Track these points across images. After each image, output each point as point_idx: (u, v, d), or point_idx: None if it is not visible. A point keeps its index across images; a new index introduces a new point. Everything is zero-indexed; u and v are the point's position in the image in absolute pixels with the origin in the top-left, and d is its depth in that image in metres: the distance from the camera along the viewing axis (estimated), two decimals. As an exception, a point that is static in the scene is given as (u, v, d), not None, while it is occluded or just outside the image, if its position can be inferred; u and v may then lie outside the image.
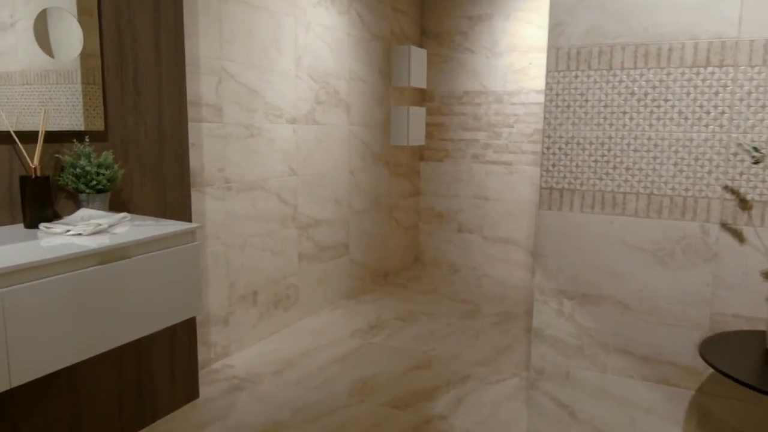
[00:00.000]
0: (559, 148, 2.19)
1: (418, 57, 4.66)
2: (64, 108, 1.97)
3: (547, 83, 2.18)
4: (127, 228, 1.76)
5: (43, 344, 1.39)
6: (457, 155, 5.11)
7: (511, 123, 4.86)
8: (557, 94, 2.17)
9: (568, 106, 2.16)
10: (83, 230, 1.65)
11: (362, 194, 4.36)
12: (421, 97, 5.19)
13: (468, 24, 4.92)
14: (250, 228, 3.24)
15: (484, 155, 5.00)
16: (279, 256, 3.50)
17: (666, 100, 2.01)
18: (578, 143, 2.15)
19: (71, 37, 1.97)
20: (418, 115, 4.74)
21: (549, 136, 2.20)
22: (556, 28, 2.15)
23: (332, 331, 3.58)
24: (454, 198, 5.17)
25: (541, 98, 4.69)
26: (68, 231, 1.67)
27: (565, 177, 2.19)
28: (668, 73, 2.00)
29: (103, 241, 1.59)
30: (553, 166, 2.20)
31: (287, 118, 3.47)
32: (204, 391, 2.73)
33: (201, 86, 2.84)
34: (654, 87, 2.02)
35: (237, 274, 3.17)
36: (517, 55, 4.77)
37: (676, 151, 2.01)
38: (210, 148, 2.92)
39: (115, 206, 2.12)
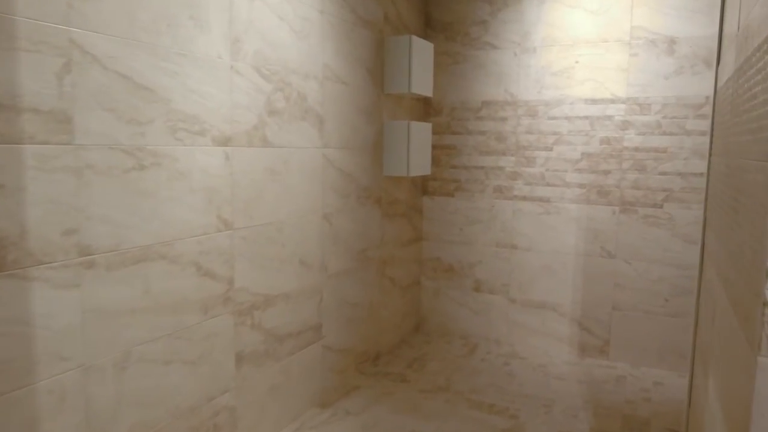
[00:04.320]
0: None
1: (423, 52, 3.33)
2: None
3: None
4: None
5: None
6: (473, 188, 3.76)
7: (550, 145, 3.52)
8: None
9: None
10: None
11: (342, 248, 2.98)
12: (426, 109, 3.85)
13: (489, 11, 3.61)
14: (136, 329, 1.84)
15: (511, 188, 3.65)
16: (198, 367, 2.09)
17: None
18: None
19: None
20: (421, 133, 3.39)
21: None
22: None
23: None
24: (469, 246, 3.81)
25: (593, 110, 3.36)
26: None
27: None
28: None
29: None
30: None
31: (214, 136, 2.10)
32: None
33: (21, 75, 1.47)
34: None
35: (109, 418, 1.76)
36: (557, 51, 3.45)
37: None
38: (43, 192, 1.54)
39: None
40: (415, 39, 3.23)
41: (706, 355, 1.75)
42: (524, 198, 3.62)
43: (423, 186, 3.91)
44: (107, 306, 1.73)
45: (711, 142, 2.08)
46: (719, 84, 1.93)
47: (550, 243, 3.58)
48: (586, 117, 3.41)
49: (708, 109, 3.13)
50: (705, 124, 3.15)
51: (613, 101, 3.33)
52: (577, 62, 3.41)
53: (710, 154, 2.08)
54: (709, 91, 3.11)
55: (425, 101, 3.83)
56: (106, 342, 1.74)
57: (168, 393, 1.97)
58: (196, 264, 2.05)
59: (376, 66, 3.20)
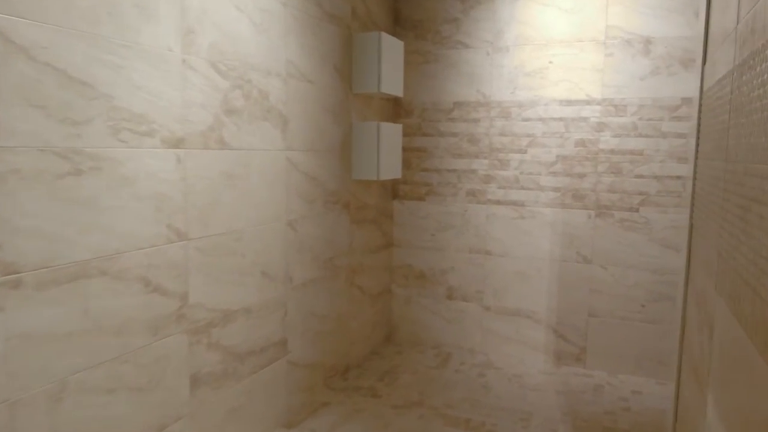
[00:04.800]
0: None
1: (393, 51, 3.17)
2: None
3: None
4: None
5: None
6: (445, 192, 3.62)
7: (524, 147, 3.41)
8: None
9: None
10: None
11: (308, 257, 2.80)
12: (396, 109, 3.70)
13: (460, 8, 3.48)
14: (73, 356, 1.63)
15: (485, 192, 3.52)
16: (147, 393, 1.88)
17: None
18: None
19: None
20: (391, 135, 3.24)
21: None
22: None
23: None
24: (441, 252, 3.67)
25: (568, 111, 3.26)
26: None
27: None
28: None
29: None
30: None
31: (164, 137, 1.90)
32: None
33: (-75, 64, 1.25)
34: None
35: (41, 456, 1.55)
36: (531, 50, 3.34)
37: None
38: (-45, 202, 1.32)
39: None
40: (385, 36, 3.07)
41: (700, 369, 1.64)
42: (498, 202, 3.50)
43: (393, 190, 3.75)
44: (37, 330, 1.52)
45: (697, 145, 1.98)
46: (707, 84, 1.83)
47: (525, 248, 3.46)
48: (561, 119, 3.30)
49: (684, 111, 3.06)
50: (681, 126, 3.08)
51: (588, 102, 3.24)
52: (551, 62, 3.31)
53: (696, 157, 1.98)
54: (686, 93, 3.04)
55: (395, 102, 3.68)
56: (36, 372, 1.52)
57: (112, 424, 1.76)
58: (144, 279, 1.84)
59: (344, 64, 3.03)
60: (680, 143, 3.09)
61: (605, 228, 3.27)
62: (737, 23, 1.36)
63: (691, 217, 2.00)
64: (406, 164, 3.70)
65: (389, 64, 3.14)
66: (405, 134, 3.68)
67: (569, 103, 3.28)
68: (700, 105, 1.96)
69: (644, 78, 3.12)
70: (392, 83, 3.19)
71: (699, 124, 1.96)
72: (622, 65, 3.16)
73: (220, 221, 2.17)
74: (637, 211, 3.20)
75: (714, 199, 1.52)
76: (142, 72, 1.79)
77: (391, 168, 3.24)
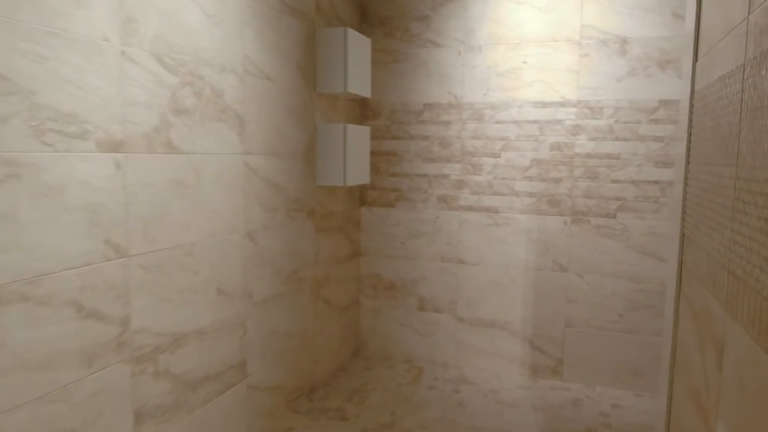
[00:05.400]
0: None
1: (360, 48, 2.98)
2: None
3: None
4: None
5: None
6: (416, 198, 3.44)
7: (497, 151, 3.26)
8: None
9: None
10: None
11: (269, 270, 2.57)
12: (363, 111, 3.51)
13: (430, 5, 3.31)
14: (-13, 398, 1.37)
15: (457, 198, 3.36)
16: (81, 434, 1.63)
17: None
18: None
19: None
20: (358, 138, 3.04)
21: None
22: None
23: None
24: (411, 261, 3.49)
25: (542, 113, 3.13)
26: None
27: None
28: None
29: None
30: None
31: (100, 140, 1.65)
32: None
33: None
34: None
35: None
36: (504, 50, 3.20)
37: None
38: None
39: None
40: (351, 32, 2.87)
41: (702, 394, 1.49)
42: (471, 208, 3.34)
43: (361, 196, 3.56)
44: (-64, 372, 1.26)
45: (688, 149, 1.85)
46: (701, 83, 1.70)
47: (499, 256, 3.31)
48: (535, 121, 3.17)
49: (662, 114, 2.96)
50: (659, 130, 2.97)
51: (563, 104, 3.11)
52: (525, 62, 3.17)
53: (688, 162, 1.85)
54: (663, 95, 2.94)
55: (362, 102, 3.49)
56: (-65, 422, 1.26)
57: (36, 476, 1.50)
58: (76, 304, 1.59)
59: (308, 61, 2.82)
60: (658, 147, 2.98)
61: (582, 235, 3.15)
62: (748, 14, 1.21)
63: (682, 226, 1.87)
64: (375, 169, 3.51)
65: (356, 62, 2.94)
66: (373, 137, 3.49)
67: (544, 105, 3.15)
68: (692, 105, 1.83)
69: (621, 79, 3.01)
70: (359, 83, 2.99)
71: (690, 126, 1.83)
72: (598, 66, 3.04)
73: (167, 234, 1.93)
74: (614, 217, 3.09)
75: (718, 209, 1.38)
76: (72, 64, 1.55)
77: (358, 173, 3.05)
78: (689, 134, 1.84)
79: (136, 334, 1.81)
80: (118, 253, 1.73)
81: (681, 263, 1.88)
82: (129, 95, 1.74)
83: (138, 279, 1.81)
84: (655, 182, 3.00)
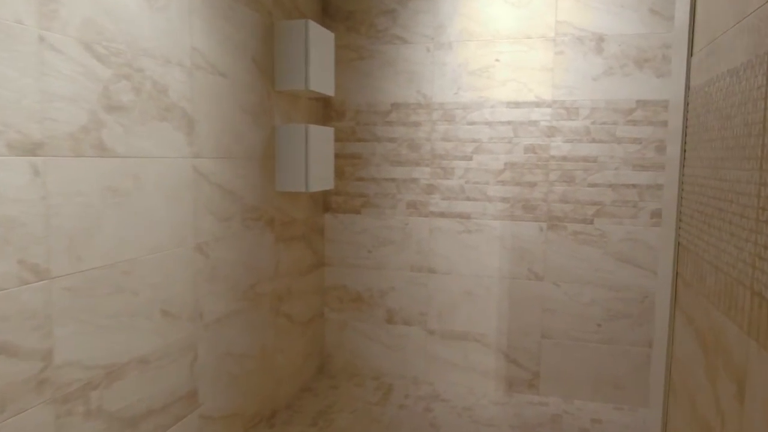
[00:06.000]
0: None
1: (322, 43, 2.75)
2: None
3: None
4: None
5: None
6: (383, 204, 3.24)
7: (469, 153, 3.08)
8: None
9: None
10: None
11: (223, 287, 2.32)
12: (326, 111, 3.28)
13: (397, -2, 3.12)
14: None
15: (427, 204, 3.17)
16: (-10, 494, 1.36)
17: None
18: None
19: None
20: (321, 140, 2.82)
21: None
22: None
23: None
24: (379, 271, 3.28)
25: (516, 114, 2.97)
26: None
27: None
28: None
29: None
30: None
31: (13, 141, 1.39)
32: None
33: None
34: None
35: None
36: (475, 47, 3.03)
37: None
38: None
39: None
40: (313, 25, 2.65)
41: (711, 420, 1.33)
42: (442, 214, 3.15)
43: (324, 202, 3.33)
44: None
45: (683, 151, 1.69)
46: (699, 79, 1.54)
47: (472, 265, 3.14)
48: (509, 122, 3.01)
49: (640, 114, 2.84)
50: (636, 131, 2.85)
51: (537, 105, 2.96)
52: (497, 60, 3.00)
53: (683, 165, 1.69)
54: (641, 95, 2.82)
55: (325, 102, 3.26)
56: None
57: None
58: (-20, 339, 1.32)
59: (265, 56, 2.58)
60: (635, 149, 2.86)
61: (558, 241, 3.00)
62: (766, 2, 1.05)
63: (677, 234, 1.72)
64: (339, 173, 3.29)
65: (318, 58, 2.72)
66: (337, 139, 3.27)
67: (517, 105, 2.99)
68: (686, 104, 1.68)
69: (597, 78, 2.87)
70: (322, 80, 2.77)
71: (685, 127, 1.68)
72: (574, 64, 2.90)
73: (99, 251, 1.66)
74: (591, 222, 2.95)
75: (732, 219, 1.22)
76: (-28, 49, 1.28)
77: (321, 178, 2.82)
78: (683, 135, 1.69)
79: (61, 369, 1.54)
80: (37, 276, 1.46)
81: (675, 275, 1.73)
82: (50, 88, 1.48)
83: (63, 304, 1.54)
84: (633, 186, 2.87)
